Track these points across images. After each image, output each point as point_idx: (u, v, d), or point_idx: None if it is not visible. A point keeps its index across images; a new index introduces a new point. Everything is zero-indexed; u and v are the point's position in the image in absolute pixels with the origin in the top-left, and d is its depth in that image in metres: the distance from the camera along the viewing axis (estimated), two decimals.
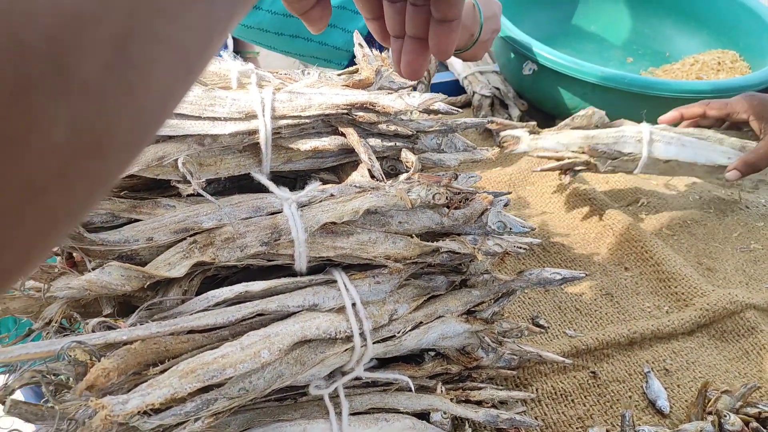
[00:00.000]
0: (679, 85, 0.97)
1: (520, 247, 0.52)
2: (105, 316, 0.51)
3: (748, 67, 1.20)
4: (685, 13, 1.37)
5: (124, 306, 0.50)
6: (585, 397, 0.62)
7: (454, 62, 1.25)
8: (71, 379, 0.40)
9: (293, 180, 0.59)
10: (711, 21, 1.33)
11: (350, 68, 0.62)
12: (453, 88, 1.24)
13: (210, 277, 0.49)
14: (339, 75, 0.61)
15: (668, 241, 0.84)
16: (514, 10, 1.27)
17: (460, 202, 0.50)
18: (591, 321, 0.71)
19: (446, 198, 0.49)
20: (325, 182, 0.54)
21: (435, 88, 1.19)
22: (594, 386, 0.63)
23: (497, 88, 1.18)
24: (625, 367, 0.65)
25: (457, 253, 0.50)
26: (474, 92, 1.17)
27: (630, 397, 0.62)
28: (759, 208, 0.92)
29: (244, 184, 0.54)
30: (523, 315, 0.72)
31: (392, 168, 0.59)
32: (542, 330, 0.67)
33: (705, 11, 1.33)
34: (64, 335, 0.46)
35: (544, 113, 1.17)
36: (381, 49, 0.57)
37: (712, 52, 1.27)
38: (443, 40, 0.35)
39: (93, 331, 0.38)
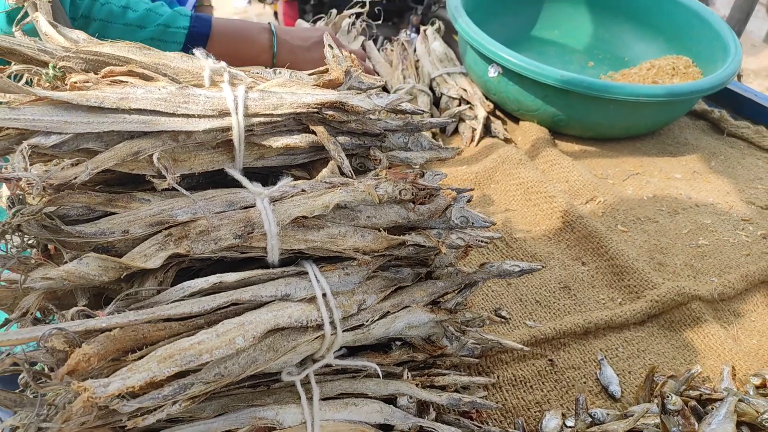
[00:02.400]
0: (635, 89, 1.02)
1: (482, 241, 0.55)
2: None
3: (699, 72, 1.26)
4: (644, 20, 1.43)
5: (99, 298, 0.51)
6: (543, 383, 0.65)
7: (425, 63, 1.28)
8: (47, 368, 0.42)
9: (265, 176, 0.60)
10: (667, 28, 1.39)
11: (320, 68, 0.65)
12: None
13: (184, 269, 0.50)
14: (309, 74, 0.63)
15: (622, 237, 0.89)
16: (479, 15, 1.30)
17: (425, 197, 0.53)
18: (549, 312, 0.75)
19: (412, 194, 0.52)
20: (296, 178, 0.56)
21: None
22: (551, 373, 0.67)
23: (464, 89, 1.22)
24: (580, 355, 0.69)
25: (423, 246, 0.53)
26: (441, 93, 1.20)
27: (584, 383, 0.66)
28: (707, 207, 0.97)
29: (218, 180, 0.56)
30: (487, 307, 0.75)
31: (361, 165, 0.61)
32: (504, 320, 0.71)
33: (662, 19, 1.40)
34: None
35: (509, 114, 1.21)
36: None
37: (667, 58, 1.33)
38: None
39: (72, 320, 0.40)
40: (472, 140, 1.13)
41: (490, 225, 0.55)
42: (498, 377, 0.65)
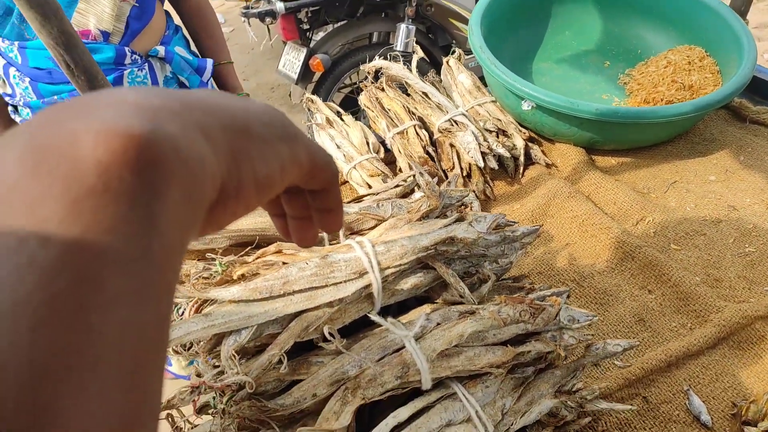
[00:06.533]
0: (664, 111, 1.10)
1: (587, 335, 0.65)
2: None
3: (714, 63, 1.33)
4: (651, 11, 1.48)
5: None
6: (644, 421, 0.76)
7: (455, 98, 1.35)
8: None
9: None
10: (675, 17, 1.44)
11: (415, 199, 0.74)
12: None
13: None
14: (409, 201, 0.73)
15: (678, 257, 0.98)
16: (497, 33, 1.37)
17: (539, 311, 0.63)
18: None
19: (530, 313, 0.62)
20: (420, 301, 0.66)
21: None
22: (648, 410, 0.78)
23: (498, 119, 1.29)
24: (668, 388, 0.80)
25: (543, 351, 0.63)
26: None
27: (678, 415, 0.77)
28: (747, 209, 1.06)
29: None
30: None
31: (466, 272, 0.71)
32: (594, 365, 0.81)
33: (668, 8, 1.45)
34: None
35: (546, 138, 1.29)
36: None
37: (680, 49, 1.39)
38: (330, 224, 0.35)
39: None
40: (516, 171, 1.21)
41: (592, 319, 0.66)
42: (605, 423, 0.76)
